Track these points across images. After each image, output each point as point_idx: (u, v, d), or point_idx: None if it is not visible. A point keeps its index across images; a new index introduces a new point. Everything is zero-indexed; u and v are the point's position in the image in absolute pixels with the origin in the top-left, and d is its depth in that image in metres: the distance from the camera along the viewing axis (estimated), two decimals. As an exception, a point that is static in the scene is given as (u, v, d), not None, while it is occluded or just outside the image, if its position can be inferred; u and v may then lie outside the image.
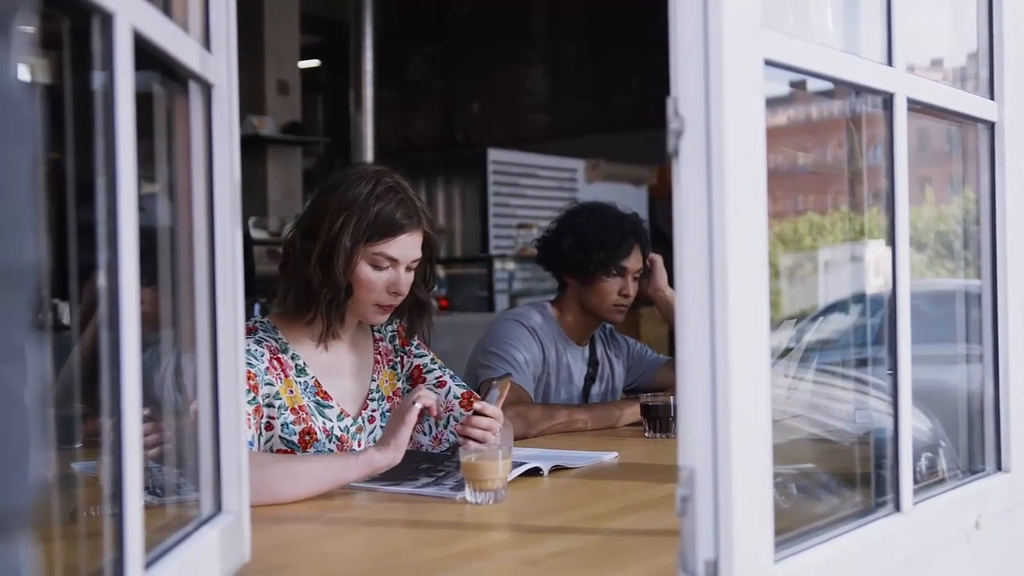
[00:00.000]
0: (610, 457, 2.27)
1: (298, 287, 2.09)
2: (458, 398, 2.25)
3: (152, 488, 1.34)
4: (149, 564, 1.04)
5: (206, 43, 1.28)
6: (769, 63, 1.17)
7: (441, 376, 2.28)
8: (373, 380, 2.22)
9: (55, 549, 1.11)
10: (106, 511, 1.05)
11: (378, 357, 2.25)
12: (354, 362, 2.21)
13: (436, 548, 1.53)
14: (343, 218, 2.04)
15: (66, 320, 2.63)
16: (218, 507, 1.31)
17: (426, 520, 1.71)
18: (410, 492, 1.88)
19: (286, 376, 2.08)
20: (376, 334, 2.28)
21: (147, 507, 1.02)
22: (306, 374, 2.11)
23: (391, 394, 2.25)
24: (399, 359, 2.29)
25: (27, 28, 0.57)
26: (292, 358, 2.11)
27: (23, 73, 0.56)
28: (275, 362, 2.07)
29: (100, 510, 1.45)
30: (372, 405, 2.21)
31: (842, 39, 1.65)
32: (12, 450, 0.52)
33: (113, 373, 0.96)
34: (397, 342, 2.29)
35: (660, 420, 2.57)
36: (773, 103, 1.19)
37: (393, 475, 1.98)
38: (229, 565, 1.30)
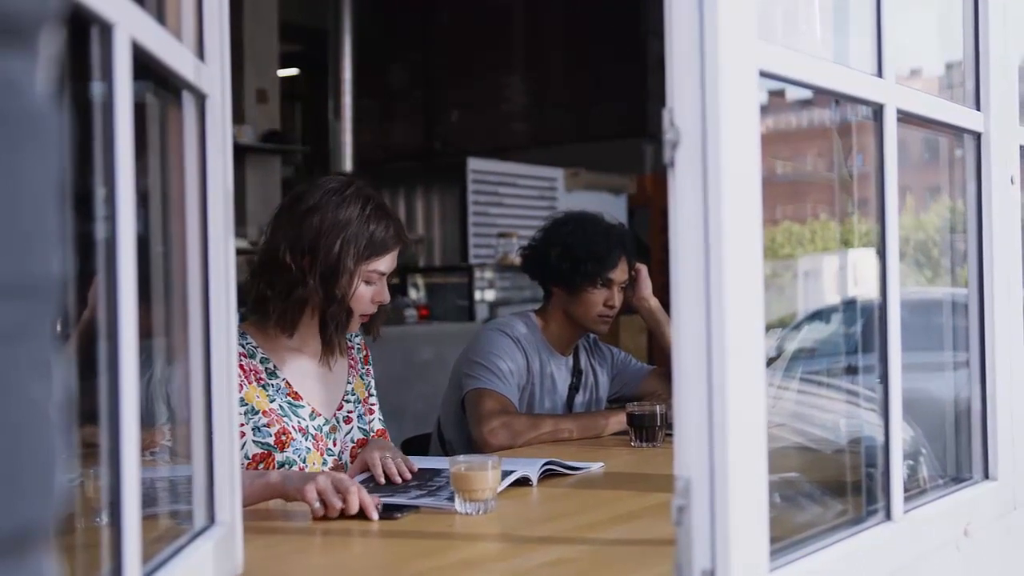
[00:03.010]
0: (597, 467, 2.27)
1: (295, 306, 2.12)
2: (373, 432, 2.32)
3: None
4: (145, 577, 1.04)
5: (200, 53, 1.28)
6: (764, 74, 1.17)
7: (374, 405, 2.37)
8: (349, 383, 2.30)
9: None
10: (96, 522, 1.04)
11: (351, 363, 2.33)
12: (327, 365, 2.25)
13: (429, 559, 1.53)
14: (341, 240, 2.11)
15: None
16: (211, 519, 1.31)
17: (417, 531, 1.70)
18: (405, 503, 1.86)
19: (258, 380, 2.12)
20: (347, 341, 2.33)
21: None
22: (277, 377, 2.16)
23: (363, 399, 2.33)
24: (364, 371, 2.37)
25: (52, 42, 0.57)
26: (262, 362, 2.16)
27: (48, 86, 0.56)
28: (238, 368, 2.10)
29: (89, 521, 1.44)
30: (348, 406, 2.28)
31: (830, 49, 1.66)
32: (39, 464, 0.52)
33: (111, 385, 0.95)
34: (360, 356, 2.37)
35: (646, 429, 2.57)
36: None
37: (386, 489, 1.98)
38: (222, 577, 1.29)
